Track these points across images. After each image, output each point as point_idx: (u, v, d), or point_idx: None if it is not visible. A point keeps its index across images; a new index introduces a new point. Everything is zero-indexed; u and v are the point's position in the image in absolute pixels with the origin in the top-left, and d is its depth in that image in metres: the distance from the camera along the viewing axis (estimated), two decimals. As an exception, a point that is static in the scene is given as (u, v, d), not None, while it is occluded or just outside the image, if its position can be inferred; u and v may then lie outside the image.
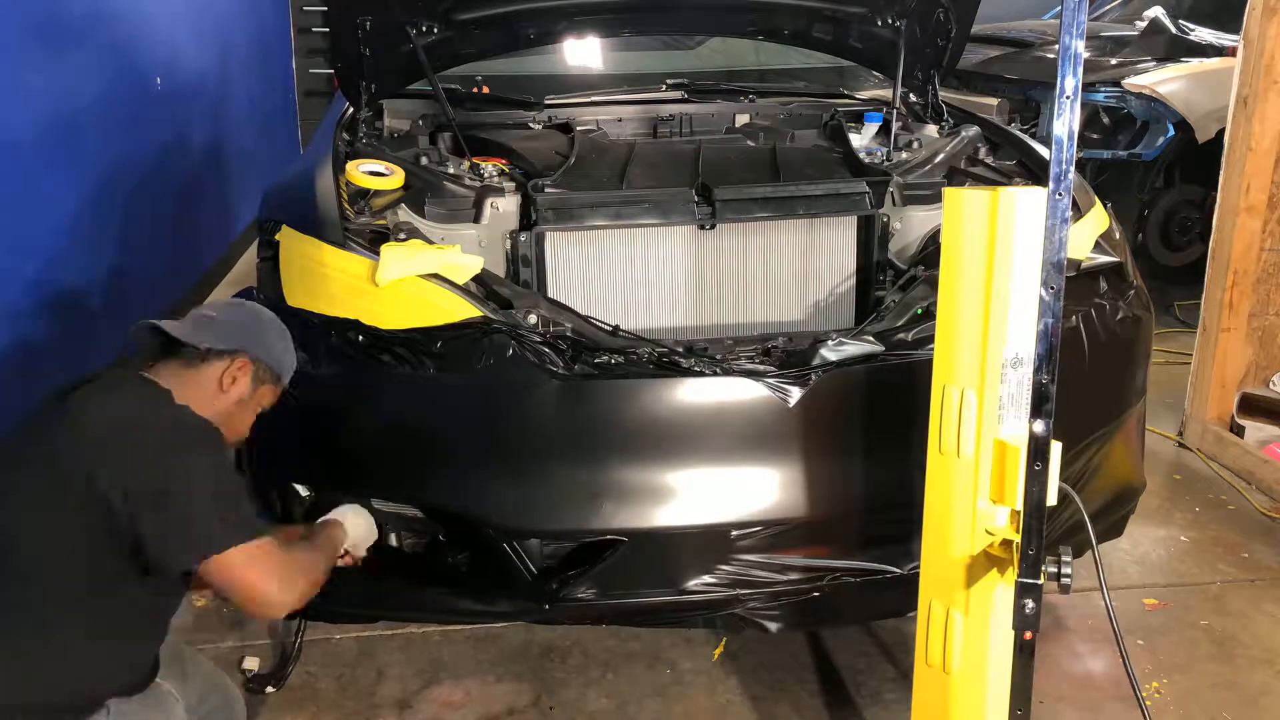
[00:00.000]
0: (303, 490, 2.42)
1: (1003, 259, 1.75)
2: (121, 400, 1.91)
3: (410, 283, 2.34)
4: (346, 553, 2.26)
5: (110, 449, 1.82)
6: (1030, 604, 1.77)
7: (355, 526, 2.27)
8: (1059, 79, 1.65)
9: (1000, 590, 1.86)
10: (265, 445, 2.44)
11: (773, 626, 2.43)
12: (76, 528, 1.81)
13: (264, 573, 1.88)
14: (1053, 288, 1.70)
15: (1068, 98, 1.65)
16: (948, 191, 1.83)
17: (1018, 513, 1.78)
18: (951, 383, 1.85)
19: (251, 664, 2.68)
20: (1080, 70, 1.64)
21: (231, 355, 2.06)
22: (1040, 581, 1.77)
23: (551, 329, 2.34)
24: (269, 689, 2.63)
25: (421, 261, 2.35)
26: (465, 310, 2.31)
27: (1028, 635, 1.80)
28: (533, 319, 2.34)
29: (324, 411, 2.35)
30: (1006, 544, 1.83)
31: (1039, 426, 1.75)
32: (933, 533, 1.93)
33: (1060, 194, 1.68)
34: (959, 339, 1.83)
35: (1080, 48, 1.64)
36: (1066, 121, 1.66)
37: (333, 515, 2.27)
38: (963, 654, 1.90)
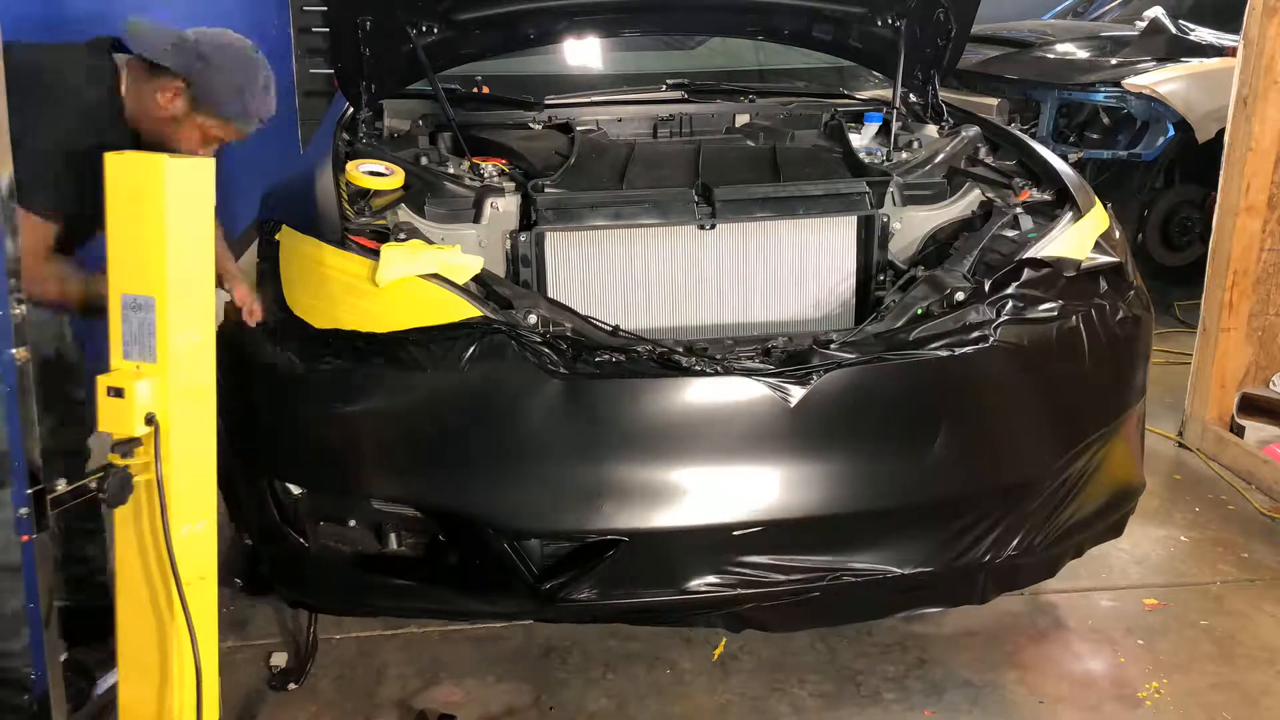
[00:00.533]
0: (295, 489, 2.41)
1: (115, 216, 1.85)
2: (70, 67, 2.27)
3: (410, 283, 2.34)
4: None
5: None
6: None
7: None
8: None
9: None
10: (262, 444, 2.45)
11: (773, 626, 2.43)
12: None
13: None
14: None
15: None
16: (108, 157, 1.87)
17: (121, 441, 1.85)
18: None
19: (279, 660, 2.68)
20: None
21: (173, 77, 2.32)
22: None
23: (551, 329, 2.34)
24: (290, 685, 2.64)
25: (421, 262, 2.35)
26: (465, 310, 2.31)
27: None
28: (533, 319, 2.34)
29: (322, 410, 2.35)
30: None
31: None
32: None
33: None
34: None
35: None
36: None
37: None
38: None
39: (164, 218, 1.84)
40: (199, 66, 2.33)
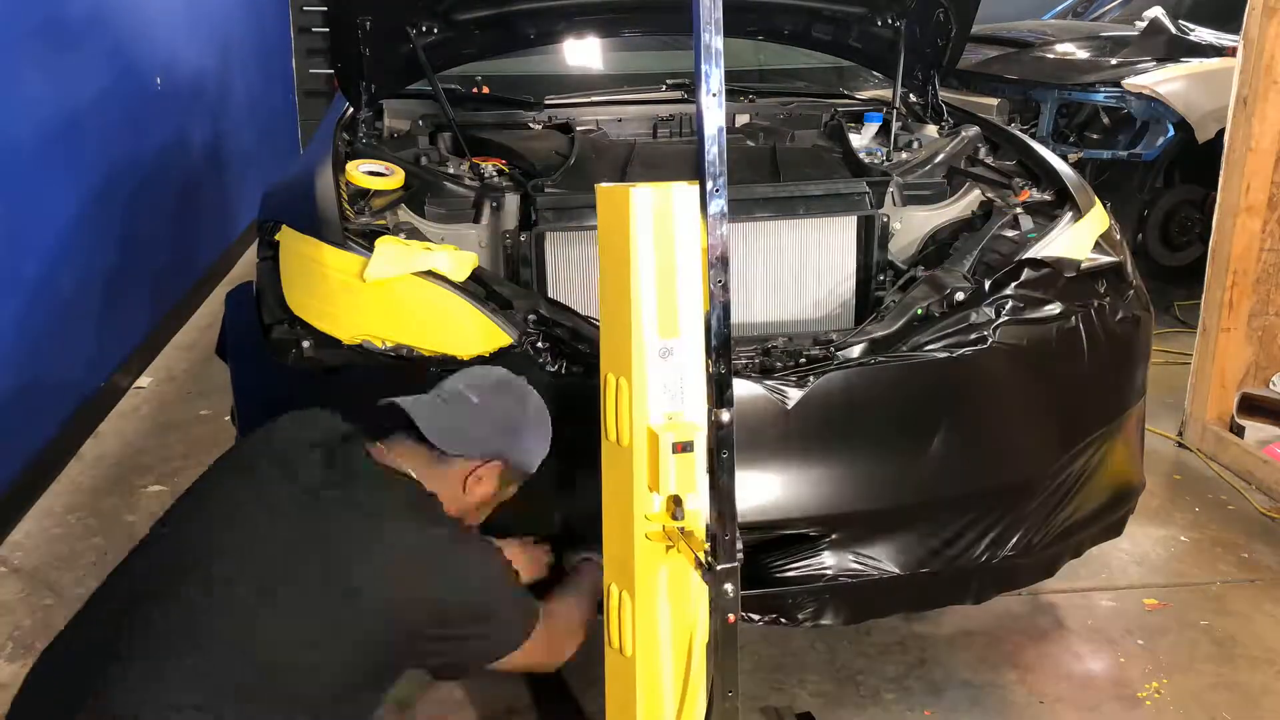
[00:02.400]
0: None
1: (646, 253, 1.77)
2: (405, 524, 1.85)
3: (410, 283, 2.33)
4: None
5: (408, 578, 1.80)
6: (729, 588, 1.77)
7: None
8: (699, 75, 1.68)
9: (663, 573, 1.87)
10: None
11: (772, 624, 2.42)
12: (343, 639, 1.74)
13: (542, 651, 1.97)
14: (720, 281, 1.73)
15: (713, 95, 1.69)
16: (598, 188, 1.87)
17: (672, 498, 1.78)
18: (610, 370, 1.87)
19: None
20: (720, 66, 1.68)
21: (483, 459, 1.98)
22: (737, 564, 1.77)
23: (551, 329, 2.34)
24: None
25: (414, 260, 2.34)
26: (468, 313, 2.30)
27: (730, 619, 1.79)
28: (533, 319, 2.34)
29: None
30: (668, 529, 1.83)
31: (725, 416, 1.77)
32: (608, 517, 1.95)
33: (718, 190, 1.71)
34: (612, 328, 1.86)
35: (719, 44, 1.68)
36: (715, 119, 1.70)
37: (586, 556, 2.24)
38: (636, 636, 1.90)
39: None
40: (505, 440, 2.02)
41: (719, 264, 1.74)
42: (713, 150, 1.70)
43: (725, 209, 1.73)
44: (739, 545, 1.78)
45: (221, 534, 1.81)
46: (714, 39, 1.67)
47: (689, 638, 1.92)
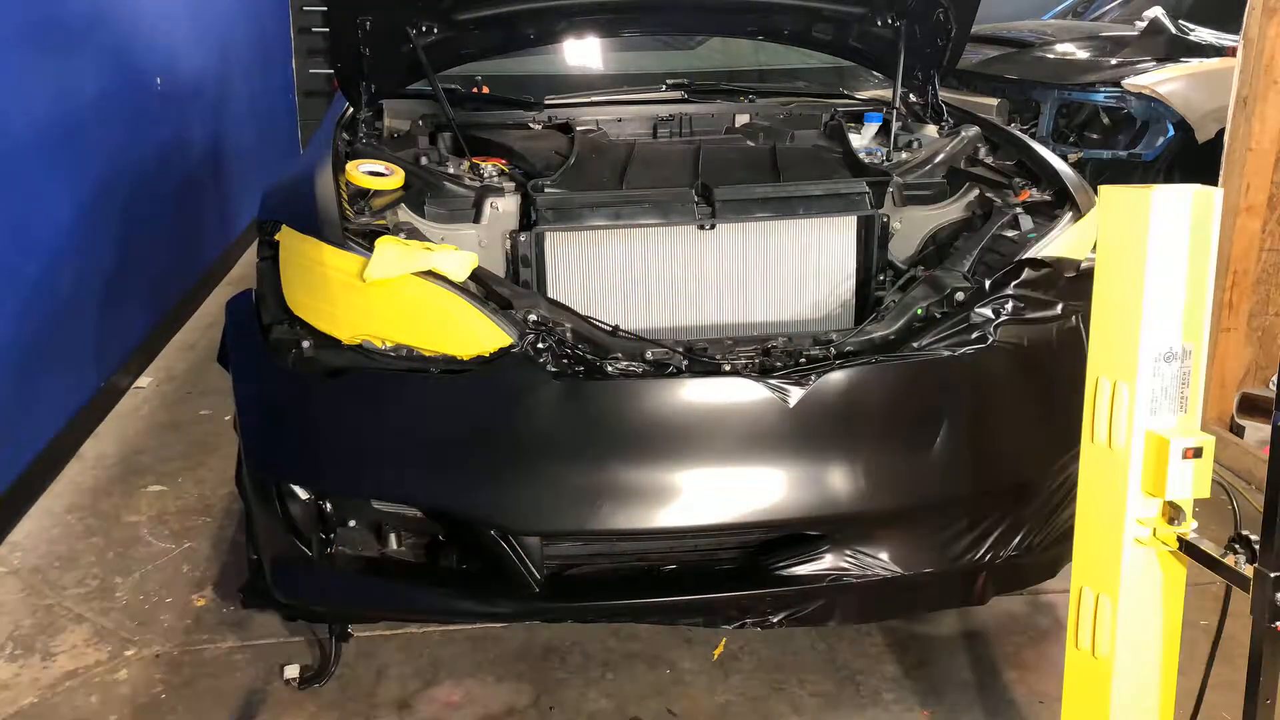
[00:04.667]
0: (302, 493, 2.41)
1: (1156, 257, 1.77)
2: None
3: (411, 283, 2.33)
4: None
5: None
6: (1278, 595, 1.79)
7: None
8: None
9: (1152, 577, 1.92)
10: (265, 445, 2.45)
11: (775, 623, 2.42)
12: None
13: None
14: None
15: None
16: (1104, 189, 1.85)
17: (1170, 504, 1.83)
18: (1105, 374, 1.87)
19: (292, 672, 2.68)
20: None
21: None
22: None
23: (551, 329, 2.34)
24: (316, 684, 2.65)
25: (414, 260, 2.34)
26: (469, 314, 2.30)
27: (1279, 625, 1.84)
28: (533, 318, 2.34)
29: (324, 411, 2.35)
30: (1161, 534, 1.87)
31: None
32: (1084, 521, 1.98)
33: None
34: (1113, 332, 1.85)
35: None
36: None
37: None
38: (1114, 639, 1.95)
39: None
40: None
41: None
42: None
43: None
44: None
45: None
46: None
47: (1170, 643, 1.99)
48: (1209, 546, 1.87)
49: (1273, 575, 1.76)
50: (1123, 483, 1.85)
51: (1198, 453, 1.80)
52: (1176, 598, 1.96)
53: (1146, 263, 1.77)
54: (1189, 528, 1.88)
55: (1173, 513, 1.84)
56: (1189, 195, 1.77)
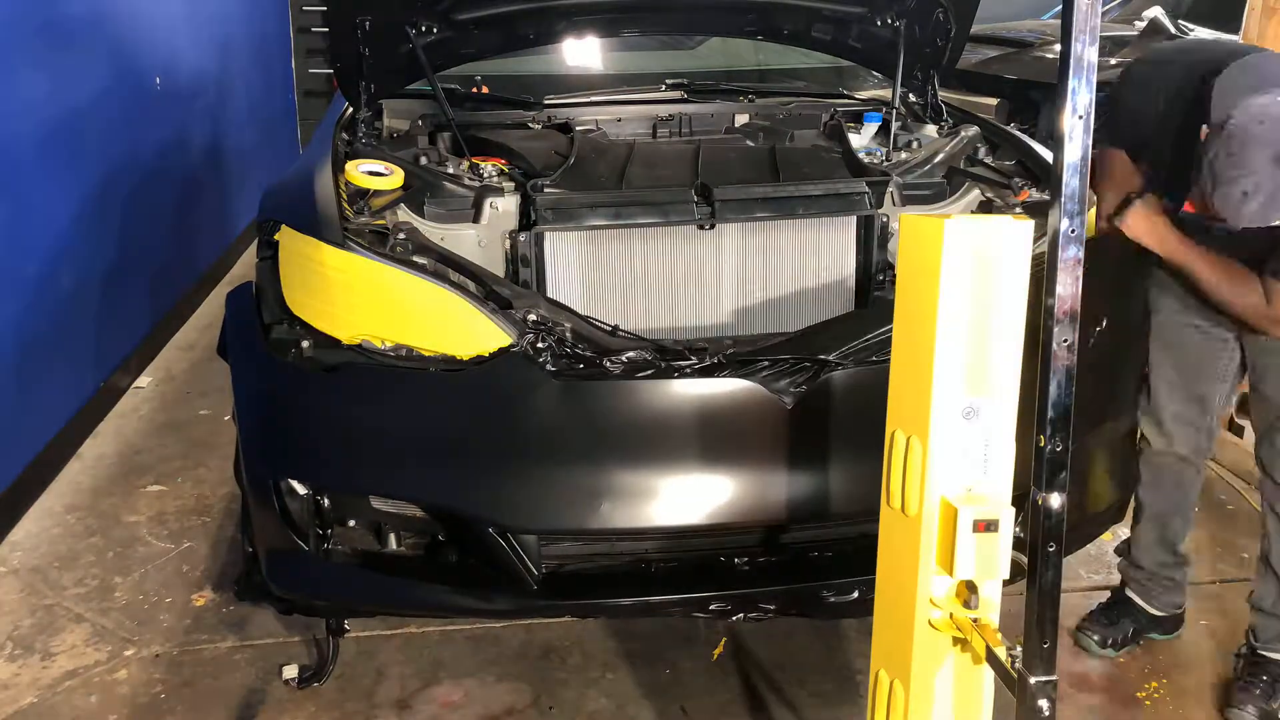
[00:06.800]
0: (300, 488, 2.41)
1: (957, 295, 1.52)
2: None
3: (410, 283, 2.33)
4: None
5: None
6: (1044, 705, 1.50)
7: None
8: (1066, 92, 1.46)
9: (944, 670, 1.65)
10: (263, 440, 2.45)
11: (771, 620, 2.42)
12: None
13: None
14: (1065, 341, 1.45)
15: (1079, 116, 1.43)
16: (904, 217, 1.66)
17: (965, 584, 1.55)
18: (899, 427, 1.63)
19: (291, 672, 2.68)
20: (1091, 85, 1.41)
21: None
22: (1054, 679, 1.52)
23: (551, 329, 2.34)
24: (316, 683, 2.65)
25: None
26: (467, 311, 2.31)
27: None
28: (532, 318, 2.34)
29: (324, 409, 2.35)
30: (958, 619, 1.61)
31: (1055, 501, 1.49)
32: (881, 593, 1.75)
33: (1074, 231, 1.43)
34: (907, 380, 1.61)
35: (1092, 57, 1.41)
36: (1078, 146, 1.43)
37: None
38: None
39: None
40: None
41: (1066, 321, 1.45)
42: (1073, 183, 1.43)
43: (1080, 254, 1.44)
44: (1055, 655, 1.52)
45: None
46: (1086, 50, 1.42)
47: None
48: (995, 639, 1.56)
49: (1034, 681, 1.50)
50: (913, 555, 1.59)
51: (990, 526, 1.51)
52: (974, 689, 1.66)
53: (939, 304, 1.50)
54: (985, 613, 1.59)
55: (967, 594, 1.55)
56: (992, 226, 1.52)
